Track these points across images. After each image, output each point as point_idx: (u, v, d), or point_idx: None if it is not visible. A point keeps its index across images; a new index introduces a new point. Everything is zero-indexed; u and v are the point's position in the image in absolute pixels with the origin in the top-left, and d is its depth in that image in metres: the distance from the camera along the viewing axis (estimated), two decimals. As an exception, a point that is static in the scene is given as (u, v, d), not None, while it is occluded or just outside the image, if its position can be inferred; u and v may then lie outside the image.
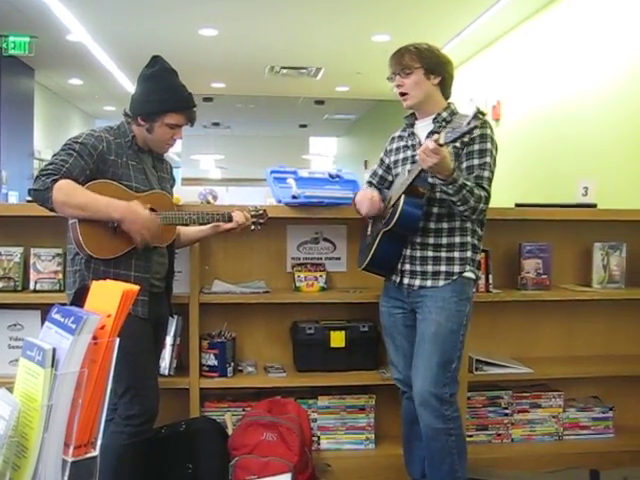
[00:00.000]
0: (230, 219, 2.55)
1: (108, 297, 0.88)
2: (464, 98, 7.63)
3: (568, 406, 3.30)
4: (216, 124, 15.11)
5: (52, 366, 0.80)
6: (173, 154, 18.21)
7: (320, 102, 11.45)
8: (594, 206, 3.42)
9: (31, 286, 2.95)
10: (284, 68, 8.17)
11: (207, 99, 11.14)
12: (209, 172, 17.54)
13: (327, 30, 6.64)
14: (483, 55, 7.10)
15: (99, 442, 0.86)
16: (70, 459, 0.83)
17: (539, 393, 3.26)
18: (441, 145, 2.17)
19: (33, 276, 2.95)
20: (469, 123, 2.12)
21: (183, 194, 3.60)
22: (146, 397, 2.33)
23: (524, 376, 3.14)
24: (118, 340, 2.25)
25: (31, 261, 2.96)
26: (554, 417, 3.26)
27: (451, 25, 6.24)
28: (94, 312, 0.87)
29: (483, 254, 3.11)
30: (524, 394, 3.25)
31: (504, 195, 6.17)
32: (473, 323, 3.05)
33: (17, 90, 8.52)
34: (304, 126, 15.30)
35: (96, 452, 0.86)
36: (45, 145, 9.34)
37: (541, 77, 5.76)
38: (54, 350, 0.81)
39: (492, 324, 3.33)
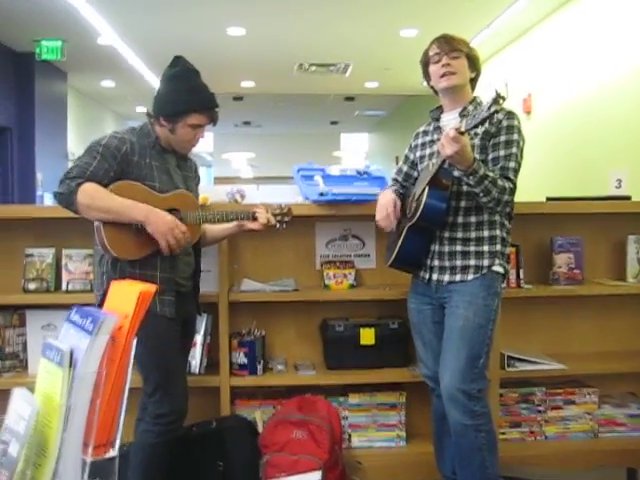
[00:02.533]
0: (255, 218, 2.55)
1: (126, 297, 0.89)
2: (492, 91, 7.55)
3: (603, 402, 3.22)
4: (247, 123, 15.20)
5: (70, 366, 0.81)
6: (205, 153, 18.38)
7: (350, 98, 11.43)
8: (628, 198, 3.35)
9: (63, 287, 2.99)
10: (312, 65, 8.16)
11: (237, 98, 11.21)
12: (240, 171, 17.65)
13: (354, 26, 6.62)
14: (513, 47, 7.00)
15: (118, 442, 0.87)
16: (89, 459, 0.83)
17: (573, 389, 3.20)
18: (462, 133, 2.15)
19: (65, 277, 3.00)
20: (489, 108, 2.10)
21: (215, 193, 3.61)
22: (175, 396, 2.35)
23: (557, 372, 3.09)
24: (146, 340, 2.27)
25: (63, 262, 3.01)
26: (589, 414, 3.19)
27: (480, 17, 6.16)
28: (112, 313, 0.87)
29: (514, 249, 3.08)
30: (557, 390, 3.19)
31: (536, 188, 6.09)
32: (504, 319, 3.03)
33: (51, 94, 8.67)
34: (335, 123, 15.32)
35: (115, 452, 0.87)
36: (79, 147, 9.47)
37: (572, 68, 5.66)
38: (72, 351, 0.81)
39: (524, 320, 3.28)
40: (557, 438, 3.19)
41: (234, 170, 17.51)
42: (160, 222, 2.26)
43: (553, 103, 6.03)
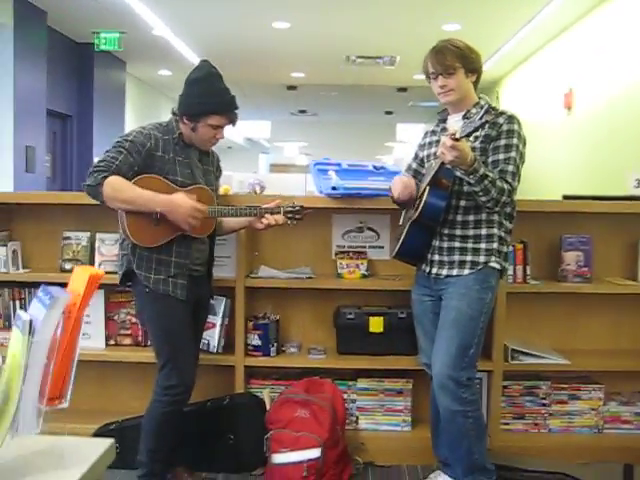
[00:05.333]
0: (262, 217, 2.72)
1: (81, 279, 1.08)
2: (539, 87, 7.51)
3: (610, 400, 3.28)
4: (303, 111, 15.41)
5: (30, 333, 1.01)
6: (263, 140, 18.71)
7: (403, 89, 11.47)
8: (644, 199, 3.39)
9: (95, 267, 3.25)
10: (360, 58, 8.27)
11: (291, 87, 11.42)
12: (295, 158, 17.87)
13: (398, 20, 6.70)
14: (556, 42, 6.94)
15: (69, 396, 1.07)
16: (44, 408, 1.03)
17: (578, 385, 3.27)
18: (457, 140, 2.28)
19: (98, 258, 3.26)
20: (481, 118, 2.25)
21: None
22: (183, 370, 2.56)
23: (561, 367, 3.17)
24: (158, 319, 2.49)
25: (96, 245, 3.27)
26: (594, 410, 3.26)
27: (522, 12, 6.15)
28: (68, 291, 1.07)
29: (521, 245, 3.17)
30: (563, 385, 3.27)
31: (571, 181, 6.09)
32: (511, 313, 3.14)
33: (110, 82, 9.08)
34: (390, 113, 15.36)
35: (66, 404, 1.06)
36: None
37: (614, 64, 5.60)
38: (32, 321, 1.01)
39: (533, 315, 3.36)
40: (561, 431, 3.27)
41: (288, 158, 17.75)
42: (178, 210, 2.47)
43: (594, 100, 5.98)
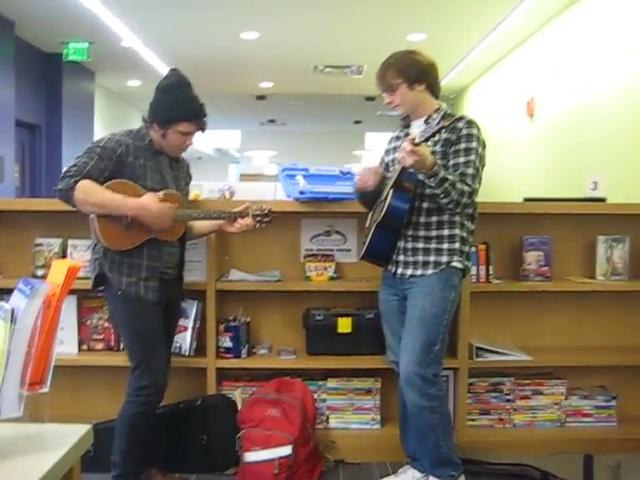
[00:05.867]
0: (235, 219, 2.80)
1: (60, 271, 1.14)
2: (502, 95, 7.71)
3: (571, 394, 3.40)
4: (272, 121, 15.48)
5: (11, 321, 1.07)
6: (233, 150, 18.72)
7: (371, 98, 11.61)
8: (602, 200, 3.53)
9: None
10: (327, 67, 8.40)
11: (260, 97, 11.48)
12: (263, 168, 17.93)
13: (365, 29, 6.82)
14: (519, 50, 7.15)
15: (49, 382, 1.13)
16: (25, 392, 1.09)
17: (541, 380, 3.39)
18: (417, 144, 2.38)
19: (70, 264, 3.29)
20: (438, 123, 2.35)
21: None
22: (155, 371, 2.61)
23: (525, 363, 3.28)
24: (131, 321, 2.54)
25: (69, 251, 3.30)
26: (556, 404, 3.38)
27: (485, 22, 6.32)
28: (47, 283, 1.13)
29: (484, 246, 3.28)
30: (526, 381, 3.38)
31: (532, 186, 6.27)
32: (476, 312, 3.24)
33: (78, 92, 9.05)
34: (359, 122, 15.49)
35: (46, 389, 1.12)
36: (105, 143, 9.86)
37: (575, 73, 5.78)
38: (13, 310, 1.07)
39: (496, 313, 3.48)
40: (525, 426, 3.38)
41: (257, 167, 17.81)
42: (148, 213, 2.53)
43: (554, 107, 6.17)
